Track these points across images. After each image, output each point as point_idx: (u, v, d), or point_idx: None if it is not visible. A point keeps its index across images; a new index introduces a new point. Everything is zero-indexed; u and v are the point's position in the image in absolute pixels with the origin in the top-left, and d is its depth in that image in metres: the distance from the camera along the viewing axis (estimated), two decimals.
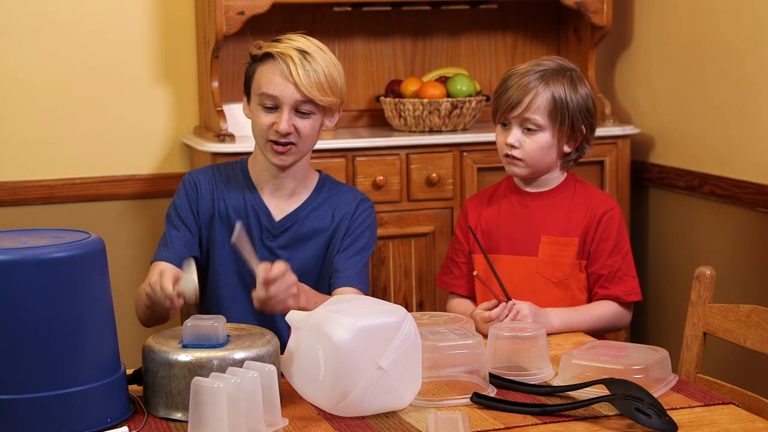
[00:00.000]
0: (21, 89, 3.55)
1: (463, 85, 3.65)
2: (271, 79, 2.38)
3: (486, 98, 3.67)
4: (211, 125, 3.54)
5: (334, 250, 2.50)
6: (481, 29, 3.97)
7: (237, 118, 3.57)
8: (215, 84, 3.52)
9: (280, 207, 2.49)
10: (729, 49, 3.40)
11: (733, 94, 3.39)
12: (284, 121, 2.37)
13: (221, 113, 3.45)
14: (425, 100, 3.58)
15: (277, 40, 2.43)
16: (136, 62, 3.65)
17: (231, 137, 3.40)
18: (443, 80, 3.71)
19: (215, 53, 3.49)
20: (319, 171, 2.57)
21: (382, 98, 3.70)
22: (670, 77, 3.69)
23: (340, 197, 2.52)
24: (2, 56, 3.53)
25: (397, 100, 3.63)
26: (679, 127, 3.66)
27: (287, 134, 2.38)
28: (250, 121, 2.51)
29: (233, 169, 2.54)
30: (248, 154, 3.31)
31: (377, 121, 3.83)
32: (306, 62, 2.36)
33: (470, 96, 3.64)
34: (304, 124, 2.40)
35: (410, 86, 3.70)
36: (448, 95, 3.65)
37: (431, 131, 3.61)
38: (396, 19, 3.88)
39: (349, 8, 3.71)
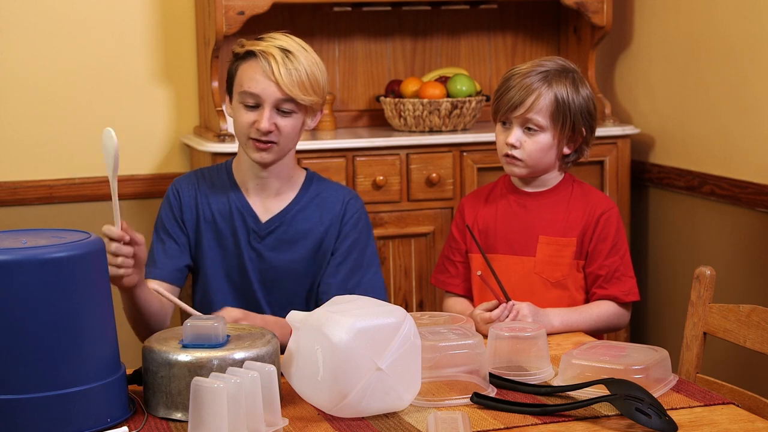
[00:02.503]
0: (21, 89, 3.56)
1: (463, 85, 3.65)
2: (252, 77, 2.36)
3: (486, 98, 3.67)
4: (211, 125, 3.54)
5: (324, 258, 2.49)
6: (481, 29, 3.97)
7: None
8: (215, 84, 3.52)
9: (266, 207, 2.48)
10: (729, 49, 3.40)
11: (733, 94, 3.39)
12: (265, 119, 2.36)
13: (221, 113, 3.45)
14: (425, 100, 3.58)
15: (260, 39, 2.41)
16: (136, 62, 3.66)
17: (231, 137, 3.40)
18: (443, 80, 3.71)
19: (215, 53, 3.49)
20: (306, 169, 2.56)
21: (382, 98, 3.70)
22: (670, 77, 3.69)
23: (329, 197, 2.51)
24: (2, 56, 3.53)
25: (397, 100, 3.64)
26: (679, 127, 3.66)
27: (268, 132, 2.37)
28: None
29: (218, 172, 2.53)
30: None
31: (377, 121, 3.83)
32: (288, 61, 2.35)
33: (470, 96, 3.64)
34: (285, 123, 2.38)
35: (410, 86, 3.70)
36: (448, 95, 3.65)
37: (431, 131, 3.61)
38: (396, 19, 3.88)
39: (349, 8, 3.72)
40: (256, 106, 2.38)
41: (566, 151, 2.48)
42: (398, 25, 3.89)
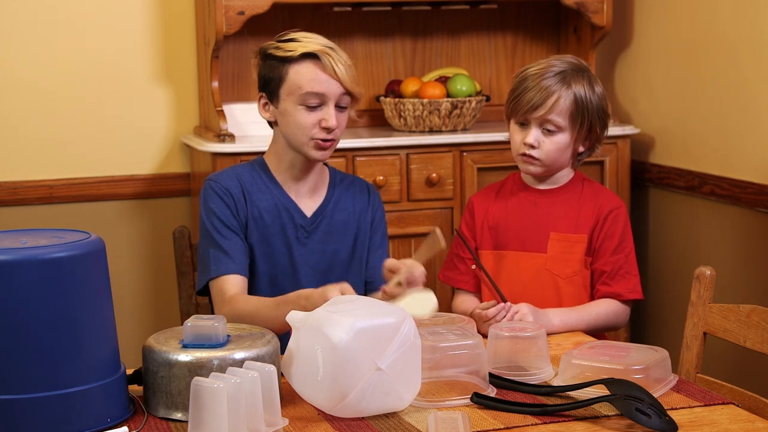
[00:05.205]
0: (21, 89, 3.56)
1: (463, 85, 3.65)
2: (314, 78, 2.38)
3: (486, 98, 3.67)
4: (211, 125, 3.54)
5: (363, 244, 2.53)
6: (481, 29, 3.97)
7: (237, 118, 3.57)
8: (215, 84, 3.51)
9: (306, 203, 2.50)
10: (729, 49, 3.40)
11: (733, 94, 3.39)
12: (332, 116, 2.39)
13: (221, 113, 3.45)
14: (425, 100, 3.58)
15: (292, 40, 2.42)
16: (136, 62, 3.65)
17: (231, 137, 3.40)
18: (443, 80, 3.71)
19: (215, 53, 3.49)
20: (324, 163, 2.58)
21: (382, 98, 3.70)
22: (670, 77, 3.69)
23: (354, 187, 2.56)
24: (2, 56, 3.53)
25: (397, 100, 3.64)
26: (679, 127, 3.66)
27: (334, 129, 2.40)
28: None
29: (253, 171, 2.51)
30: (248, 154, 3.32)
31: (377, 121, 3.83)
32: (338, 56, 2.39)
33: (470, 96, 3.64)
34: (343, 118, 2.43)
35: (410, 86, 3.70)
36: (448, 95, 3.65)
37: (431, 131, 3.61)
38: (396, 19, 3.88)
39: (349, 8, 3.72)
40: (318, 106, 2.40)
41: (580, 149, 2.50)
42: (398, 25, 3.89)
